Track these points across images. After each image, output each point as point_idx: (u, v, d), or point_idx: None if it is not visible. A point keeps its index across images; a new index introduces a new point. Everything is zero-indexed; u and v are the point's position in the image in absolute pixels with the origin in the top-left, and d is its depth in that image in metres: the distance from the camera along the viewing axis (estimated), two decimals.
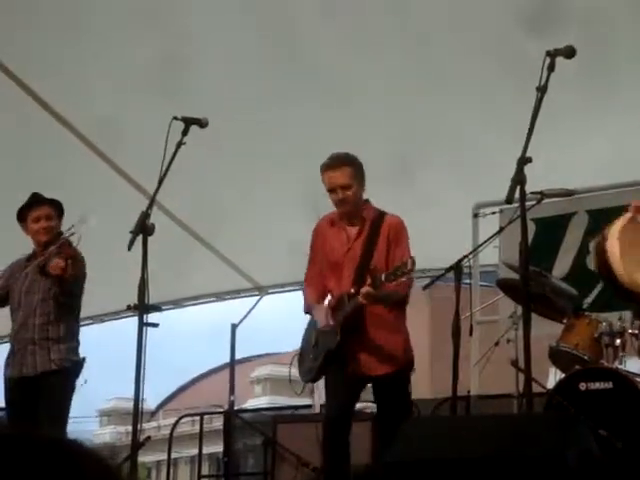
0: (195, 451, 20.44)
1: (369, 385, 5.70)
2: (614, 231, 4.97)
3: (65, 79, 7.65)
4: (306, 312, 5.77)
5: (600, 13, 6.69)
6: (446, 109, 7.79)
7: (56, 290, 5.90)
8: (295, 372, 5.81)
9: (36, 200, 6.15)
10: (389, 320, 5.55)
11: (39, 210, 6.09)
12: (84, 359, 6.09)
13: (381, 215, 5.69)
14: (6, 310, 6.24)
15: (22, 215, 6.14)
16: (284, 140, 8.06)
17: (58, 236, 6.06)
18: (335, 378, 5.54)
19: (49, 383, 5.87)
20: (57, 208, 6.13)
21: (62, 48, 7.43)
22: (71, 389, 6.01)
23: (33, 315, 5.98)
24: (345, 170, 5.57)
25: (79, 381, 6.06)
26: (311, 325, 5.76)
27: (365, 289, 5.25)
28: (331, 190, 5.61)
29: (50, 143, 8.13)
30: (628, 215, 5.09)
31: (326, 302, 5.64)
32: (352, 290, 5.44)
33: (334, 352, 5.45)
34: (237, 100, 7.75)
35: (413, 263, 5.16)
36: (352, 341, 5.46)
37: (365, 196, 5.70)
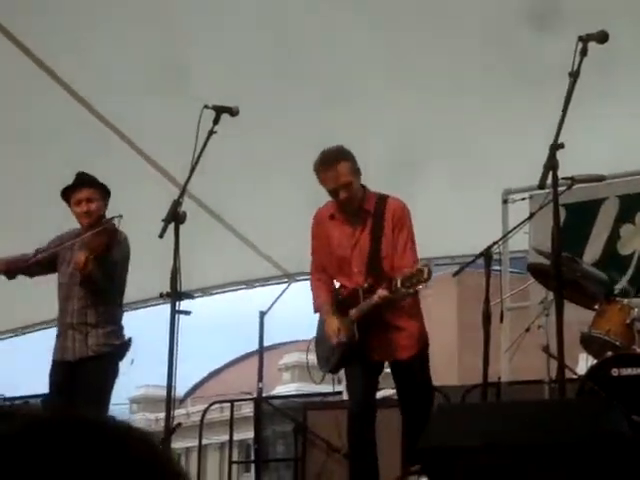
0: (223, 438, 20.56)
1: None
2: None
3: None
4: (315, 311, 5.68)
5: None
6: (474, 96, 7.76)
7: (81, 280, 5.92)
8: (314, 359, 5.79)
9: (79, 182, 6.07)
10: (405, 307, 5.48)
11: (80, 193, 6.01)
12: (130, 340, 6.04)
13: (383, 200, 5.52)
14: (54, 295, 6.25)
15: (66, 196, 6.09)
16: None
17: (101, 219, 6.00)
18: (354, 372, 5.51)
19: (87, 369, 5.87)
20: (101, 189, 6.05)
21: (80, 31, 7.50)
22: (112, 373, 6.00)
23: (73, 299, 5.99)
24: (343, 166, 5.36)
25: (125, 362, 6.05)
26: None
27: (383, 293, 5.17)
28: (332, 190, 5.42)
29: (83, 132, 8.19)
30: None
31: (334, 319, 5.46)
32: (366, 285, 5.36)
33: (351, 348, 5.42)
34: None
35: (429, 272, 5.04)
36: (370, 330, 5.42)
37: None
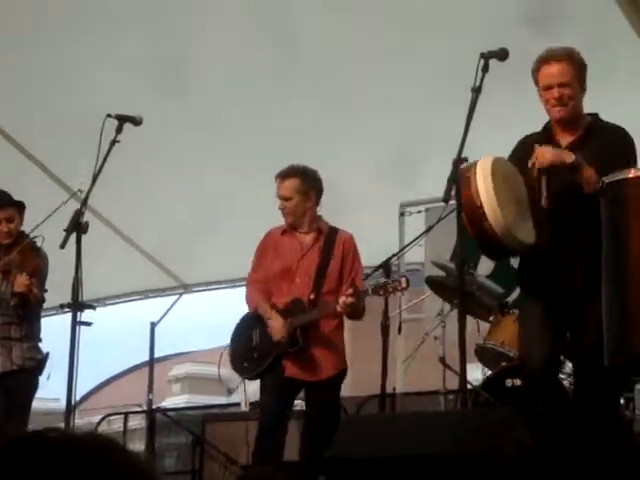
0: None
1: None
2: (487, 175, 4.51)
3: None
4: (253, 311, 5.77)
5: None
6: (371, 109, 7.82)
7: (17, 303, 5.84)
8: (224, 371, 5.79)
9: None
10: (330, 330, 5.65)
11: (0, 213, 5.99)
12: (47, 354, 6.02)
13: (335, 230, 5.81)
14: None
15: None
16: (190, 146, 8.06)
17: (20, 237, 5.97)
18: (269, 386, 5.60)
19: (11, 382, 5.84)
20: (19, 208, 6.02)
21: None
22: (33, 388, 5.98)
23: None
24: (290, 182, 5.70)
25: (43, 377, 6.02)
26: (249, 322, 5.77)
27: (349, 300, 5.35)
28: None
29: None
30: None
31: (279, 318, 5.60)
32: (312, 296, 5.57)
33: (290, 354, 5.53)
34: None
35: (408, 282, 5.50)
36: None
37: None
